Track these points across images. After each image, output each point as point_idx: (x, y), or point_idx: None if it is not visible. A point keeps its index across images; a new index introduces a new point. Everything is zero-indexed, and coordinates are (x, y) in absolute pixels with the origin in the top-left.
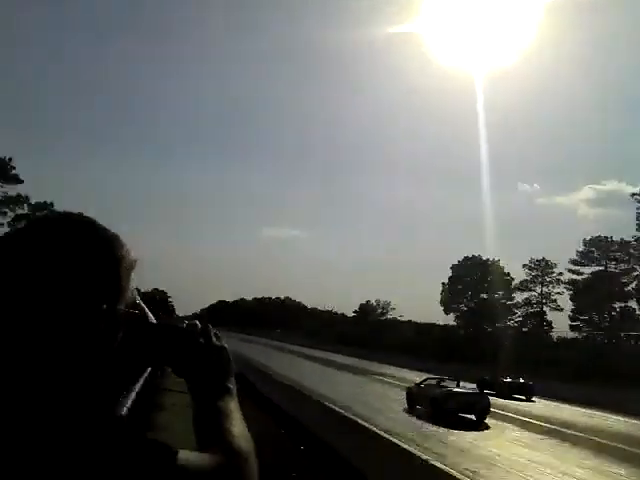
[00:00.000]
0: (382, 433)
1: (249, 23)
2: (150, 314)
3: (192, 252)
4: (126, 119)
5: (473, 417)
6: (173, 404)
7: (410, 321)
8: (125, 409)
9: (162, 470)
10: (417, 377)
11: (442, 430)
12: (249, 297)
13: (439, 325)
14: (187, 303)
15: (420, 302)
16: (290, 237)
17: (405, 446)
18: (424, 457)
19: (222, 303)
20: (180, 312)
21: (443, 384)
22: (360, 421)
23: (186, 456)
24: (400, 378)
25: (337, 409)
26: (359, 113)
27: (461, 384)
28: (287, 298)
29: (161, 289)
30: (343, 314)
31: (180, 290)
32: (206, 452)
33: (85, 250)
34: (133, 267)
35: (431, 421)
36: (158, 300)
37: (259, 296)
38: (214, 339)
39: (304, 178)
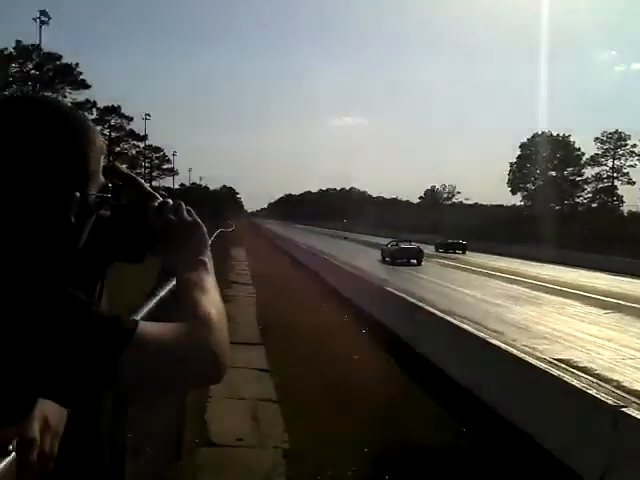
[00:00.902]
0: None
1: None
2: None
3: (257, 146)
4: (190, 12)
5: (415, 261)
6: None
7: (476, 204)
8: (145, 311)
9: (118, 341)
10: (484, 260)
11: (499, 309)
12: (314, 189)
13: (506, 206)
14: (255, 198)
15: (487, 184)
16: (354, 125)
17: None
18: (481, 335)
19: (289, 196)
20: (249, 207)
21: (402, 244)
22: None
23: (146, 327)
24: (465, 261)
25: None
26: None
27: (411, 243)
28: (352, 188)
29: (229, 186)
30: (408, 201)
31: (247, 186)
32: (173, 322)
33: (52, 133)
34: (103, 151)
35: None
36: (227, 196)
37: (324, 188)
38: (186, 215)
39: (366, 65)
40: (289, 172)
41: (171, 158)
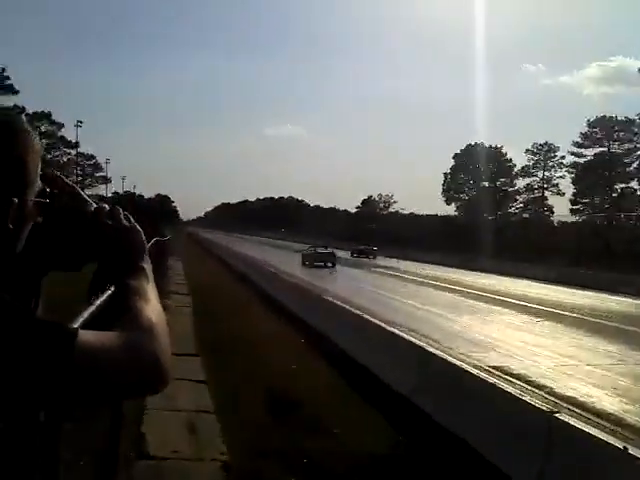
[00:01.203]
0: (376, 321)
1: None
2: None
3: (194, 155)
4: (124, 18)
5: (330, 264)
6: None
7: (412, 214)
8: (82, 320)
9: (59, 350)
10: (419, 269)
11: (434, 317)
12: (252, 198)
13: (440, 216)
14: (191, 207)
15: (423, 194)
16: (291, 135)
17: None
18: (419, 343)
19: (225, 205)
20: (184, 216)
21: (318, 249)
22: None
23: (86, 336)
24: (392, 268)
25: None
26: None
27: (327, 248)
28: (290, 197)
29: (164, 194)
30: (346, 210)
31: (183, 195)
32: (113, 330)
33: None
34: (40, 154)
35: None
36: (161, 205)
37: (262, 197)
38: (123, 220)
39: (301, 75)
40: (226, 181)
41: (104, 166)
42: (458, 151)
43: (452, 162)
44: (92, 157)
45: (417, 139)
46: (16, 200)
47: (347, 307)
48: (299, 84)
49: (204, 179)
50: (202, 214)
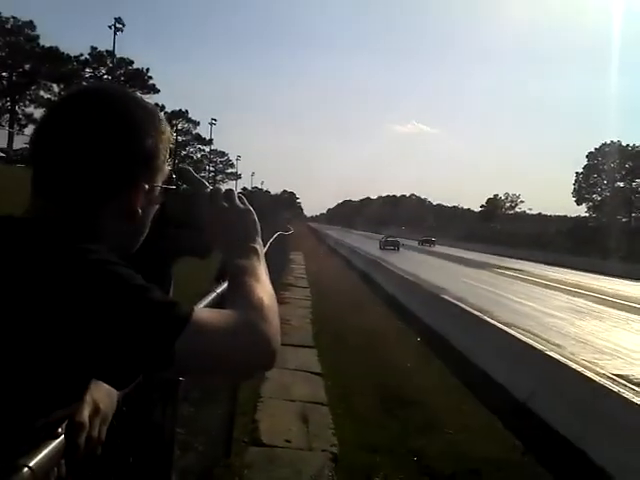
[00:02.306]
0: (493, 321)
1: None
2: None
3: (321, 153)
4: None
5: (395, 247)
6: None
7: (539, 214)
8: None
9: (174, 324)
10: (546, 271)
11: (557, 321)
12: (374, 196)
13: (570, 217)
14: (315, 203)
15: (552, 194)
16: (416, 133)
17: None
18: (539, 347)
19: (348, 202)
20: (308, 212)
21: (388, 238)
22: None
23: (201, 313)
24: (524, 271)
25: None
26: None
27: (395, 238)
28: (412, 195)
29: (290, 190)
30: (469, 209)
31: (308, 191)
32: (226, 308)
33: (127, 123)
34: (171, 141)
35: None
36: (287, 200)
37: (384, 194)
38: (237, 202)
39: (431, 73)
40: (350, 178)
41: (235, 162)
42: (592, 150)
43: (585, 161)
44: (224, 154)
45: (548, 138)
46: (147, 186)
47: (465, 307)
48: (431, 84)
49: (329, 176)
50: (325, 210)
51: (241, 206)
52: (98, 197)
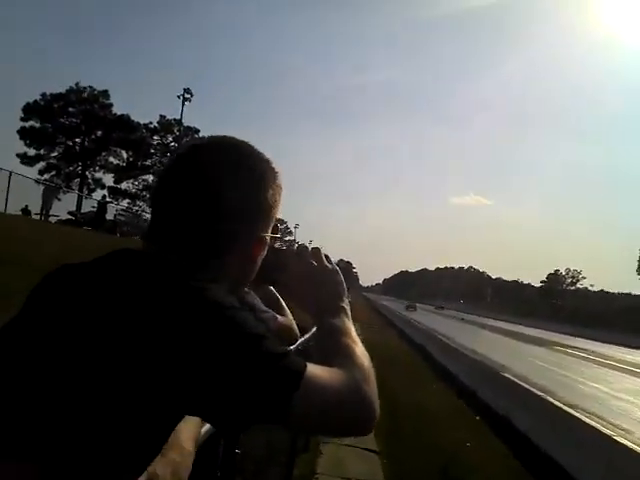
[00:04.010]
0: (563, 406)
1: None
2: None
3: (378, 222)
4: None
5: (413, 309)
6: None
7: (602, 290)
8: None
9: (290, 380)
10: (611, 351)
11: (624, 404)
12: (431, 267)
13: (634, 295)
14: (370, 273)
15: (614, 270)
16: (473, 205)
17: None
18: (606, 432)
19: (404, 273)
20: (363, 282)
21: (411, 303)
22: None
23: (314, 369)
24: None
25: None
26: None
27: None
28: (471, 268)
29: (347, 260)
30: (530, 284)
31: (364, 262)
32: (330, 367)
33: (256, 177)
34: (280, 192)
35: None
36: (343, 271)
37: (442, 266)
38: (325, 261)
39: (487, 145)
40: (407, 248)
41: (293, 230)
42: None
43: None
44: (283, 221)
45: (611, 211)
46: (267, 238)
47: (528, 387)
48: (488, 155)
49: (386, 246)
50: (380, 280)
51: (329, 265)
52: (224, 244)
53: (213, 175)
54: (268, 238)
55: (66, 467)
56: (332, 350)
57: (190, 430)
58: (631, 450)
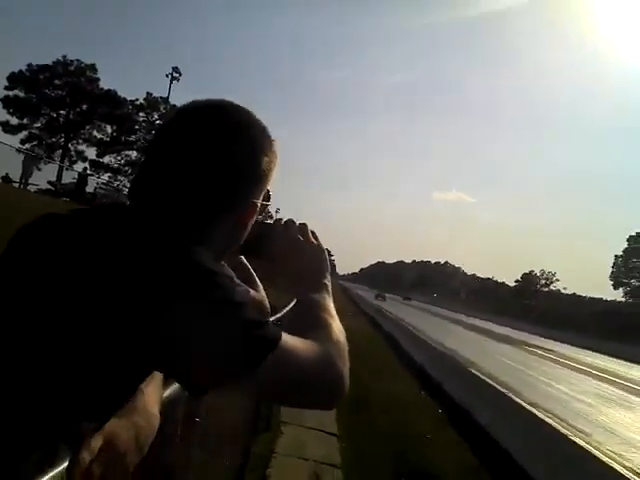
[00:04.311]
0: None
1: None
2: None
3: (358, 213)
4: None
5: (382, 298)
6: None
7: (574, 294)
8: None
9: (264, 346)
10: (577, 354)
11: (584, 407)
12: (408, 260)
13: (605, 300)
14: (348, 262)
15: (588, 274)
16: (455, 201)
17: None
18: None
19: (381, 264)
20: (340, 270)
21: (380, 292)
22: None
23: (288, 338)
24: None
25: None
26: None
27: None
28: (447, 263)
29: (325, 247)
30: (504, 282)
31: (342, 250)
32: (306, 339)
33: (253, 142)
34: (276, 160)
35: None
36: None
37: (418, 259)
38: (311, 237)
39: (477, 143)
40: (386, 240)
41: (274, 215)
42: (634, 233)
43: (626, 244)
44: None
45: (590, 217)
46: (258, 204)
47: (493, 383)
48: (474, 153)
49: (364, 236)
50: (357, 270)
51: (314, 242)
52: (216, 207)
53: (210, 136)
54: (259, 204)
55: (21, 406)
56: (310, 324)
57: (156, 393)
58: (587, 452)
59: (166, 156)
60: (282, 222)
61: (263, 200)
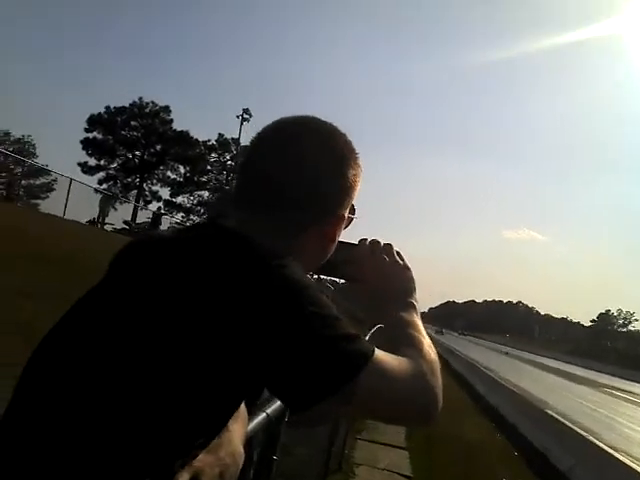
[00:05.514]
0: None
1: None
2: None
3: (426, 250)
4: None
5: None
6: None
7: None
8: None
9: (358, 361)
10: None
11: None
12: (479, 299)
13: None
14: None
15: None
16: (527, 240)
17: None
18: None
19: (452, 303)
20: None
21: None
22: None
23: (382, 354)
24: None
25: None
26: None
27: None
28: (519, 302)
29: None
30: (579, 323)
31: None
32: (399, 356)
33: (335, 155)
34: (361, 173)
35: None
36: None
37: (489, 299)
38: (397, 257)
39: (545, 180)
40: (455, 278)
41: None
42: None
43: None
44: None
45: None
46: (347, 216)
47: (571, 425)
48: (544, 191)
49: (433, 275)
50: (426, 309)
51: (400, 262)
52: (306, 220)
53: (298, 151)
54: (347, 217)
55: (115, 439)
56: (401, 341)
57: (241, 430)
58: None
59: (259, 169)
60: (367, 242)
61: (349, 214)
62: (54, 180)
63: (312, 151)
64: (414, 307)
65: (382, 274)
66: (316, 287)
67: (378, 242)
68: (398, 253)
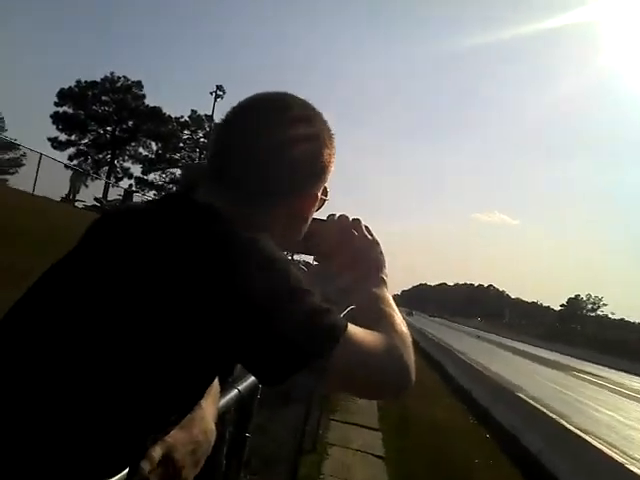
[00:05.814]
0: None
1: None
2: None
3: (399, 232)
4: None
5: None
6: None
7: (623, 320)
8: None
9: (333, 334)
10: (628, 380)
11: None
12: (451, 282)
13: None
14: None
15: (637, 299)
16: (498, 223)
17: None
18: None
19: (423, 286)
20: None
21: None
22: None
23: (355, 329)
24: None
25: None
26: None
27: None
28: (490, 286)
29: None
30: (549, 307)
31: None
32: (371, 330)
33: (311, 134)
34: (334, 154)
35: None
36: None
37: (461, 282)
38: (365, 232)
39: (518, 165)
40: (427, 261)
41: None
42: None
43: None
44: None
45: (637, 238)
46: (320, 196)
47: (542, 408)
48: (519, 175)
49: (406, 257)
50: (398, 292)
51: (369, 237)
52: (277, 197)
53: (271, 127)
54: (319, 197)
55: (89, 408)
56: (373, 316)
57: (213, 407)
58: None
59: (231, 145)
60: (335, 217)
61: (322, 195)
62: (23, 155)
63: (286, 128)
64: (384, 282)
65: (351, 249)
66: (287, 260)
67: (347, 217)
68: (367, 228)
